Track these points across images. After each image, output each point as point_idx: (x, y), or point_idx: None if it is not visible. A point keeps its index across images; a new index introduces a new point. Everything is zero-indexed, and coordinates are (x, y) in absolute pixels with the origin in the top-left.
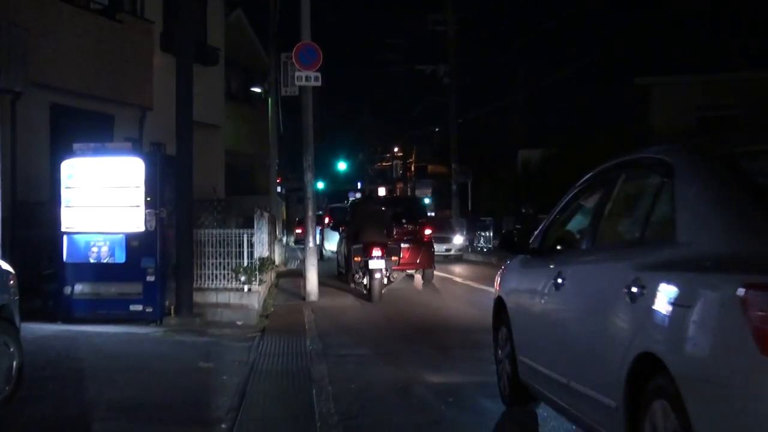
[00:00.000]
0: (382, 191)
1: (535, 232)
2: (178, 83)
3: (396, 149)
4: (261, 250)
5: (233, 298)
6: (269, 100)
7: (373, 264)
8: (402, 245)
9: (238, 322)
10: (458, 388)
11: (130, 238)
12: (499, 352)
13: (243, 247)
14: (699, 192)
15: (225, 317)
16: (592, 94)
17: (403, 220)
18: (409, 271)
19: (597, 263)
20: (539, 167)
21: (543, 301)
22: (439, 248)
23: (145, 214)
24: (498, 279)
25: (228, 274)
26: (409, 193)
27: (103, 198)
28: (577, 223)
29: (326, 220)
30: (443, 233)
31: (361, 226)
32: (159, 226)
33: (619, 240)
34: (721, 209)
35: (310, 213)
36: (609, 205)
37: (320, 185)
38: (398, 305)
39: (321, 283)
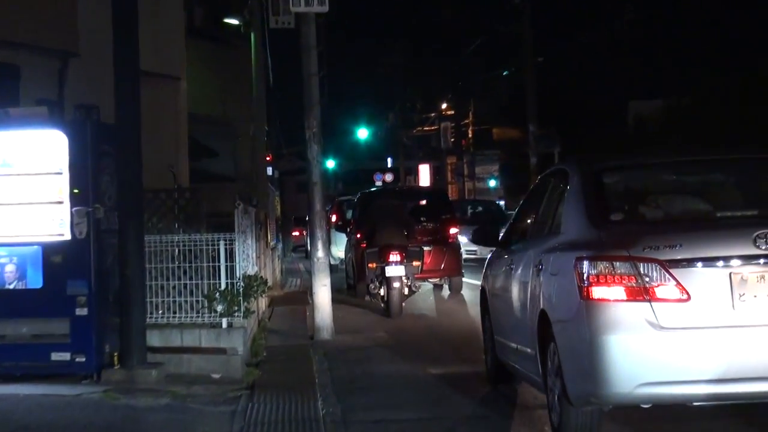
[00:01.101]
0: (424, 171)
1: (504, 228)
2: (115, 13)
3: (444, 106)
4: (246, 264)
5: (206, 339)
6: (252, 36)
7: (391, 271)
8: (424, 248)
9: (215, 375)
10: None
11: (49, 250)
12: (485, 338)
13: (219, 261)
14: (573, 196)
15: (195, 367)
16: (739, 11)
17: (423, 218)
18: (431, 280)
19: (526, 250)
20: (661, 125)
21: (502, 285)
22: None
23: (72, 215)
24: (483, 271)
25: (198, 302)
26: (458, 171)
27: (6, 191)
28: (529, 219)
29: (333, 218)
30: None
31: (376, 225)
32: (93, 232)
33: (541, 231)
34: (581, 209)
35: (318, 206)
36: (543, 204)
37: (331, 164)
38: (440, 331)
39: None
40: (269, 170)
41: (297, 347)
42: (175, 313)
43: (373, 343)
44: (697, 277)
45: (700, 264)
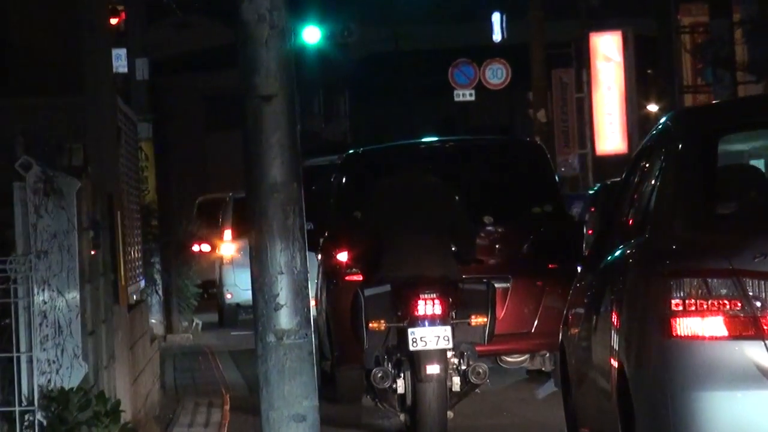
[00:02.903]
0: (609, 53)
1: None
2: None
3: None
4: (55, 355)
5: None
6: None
7: (421, 338)
8: (495, 284)
9: None
10: None
11: None
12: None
13: None
14: (668, 174)
15: None
16: None
17: (491, 215)
18: (511, 359)
19: (609, 269)
20: None
21: (580, 332)
22: None
23: None
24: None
25: None
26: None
27: None
28: (624, 214)
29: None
30: None
31: (386, 233)
32: None
33: (630, 235)
34: (675, 196)
35: (277, 173)
36: (641, 189)
37: (313, 36)
38: None
39: None
40: (119, 61)
41: None
42: None
43: None
44: None
45: None
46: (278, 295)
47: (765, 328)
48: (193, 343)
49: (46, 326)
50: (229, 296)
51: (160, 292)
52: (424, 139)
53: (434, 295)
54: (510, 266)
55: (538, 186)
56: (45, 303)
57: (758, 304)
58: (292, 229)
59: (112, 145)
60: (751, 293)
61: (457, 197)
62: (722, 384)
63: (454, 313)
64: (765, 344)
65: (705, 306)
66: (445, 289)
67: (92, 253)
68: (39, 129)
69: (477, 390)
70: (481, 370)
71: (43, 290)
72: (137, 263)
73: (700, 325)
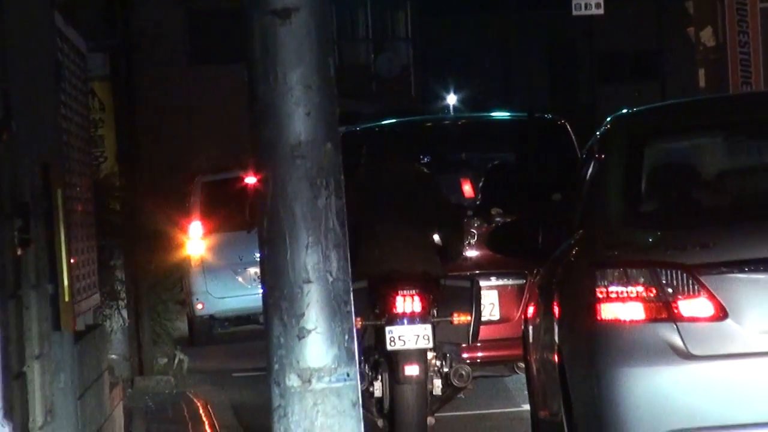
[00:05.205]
0: None
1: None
2: None
3: None
4: None
5: None
6: None
7: (399, 337)
8: (493, 281)
9: None
10: None
11: None
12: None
13: None
14: (599, 173)
15: None
16: None
17: (495, 210)
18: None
19: (549, 266)
20: None
21: (533, 324)
22: None
23: None
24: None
25: None
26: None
27: None
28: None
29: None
30: None
31: (364, 225)
32: None
33: (569, 233)
34: (603, 194)
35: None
36: (585, 185)
37: None
38: None
39: None
40: None
41: None
42: None
43: None
44: (737, 287)
45: (739, 270)
46: (303, 315)
47: (675, 311)
48: (175, 389)
49: None
50: (199, 306)
51: (125, 313)
52: (430, 117)
53: (413, 291)
54: (525, 262)
55: (559, 169)
56: None
57: (670, 290)
58: (324, 213)
59: (48, 89)
60: (664, 281)
61: (435, 185)
62: (640, 361)
63: (435, 311)
64: (675, 326)
65: (625, 293)
66: (426, 285)
67: (18, 252)
68: None
69: (461, 394)
70: (464, 372)
71: None
72: (90, 268)
73: (621, 310)
